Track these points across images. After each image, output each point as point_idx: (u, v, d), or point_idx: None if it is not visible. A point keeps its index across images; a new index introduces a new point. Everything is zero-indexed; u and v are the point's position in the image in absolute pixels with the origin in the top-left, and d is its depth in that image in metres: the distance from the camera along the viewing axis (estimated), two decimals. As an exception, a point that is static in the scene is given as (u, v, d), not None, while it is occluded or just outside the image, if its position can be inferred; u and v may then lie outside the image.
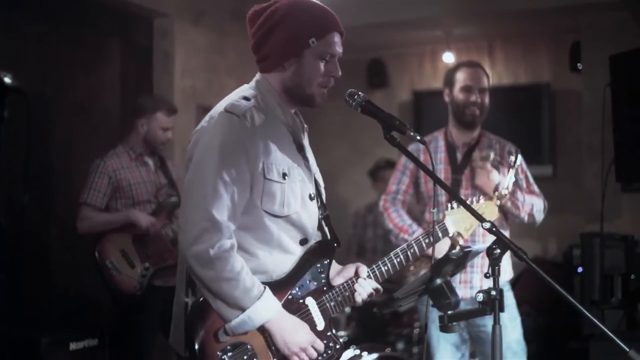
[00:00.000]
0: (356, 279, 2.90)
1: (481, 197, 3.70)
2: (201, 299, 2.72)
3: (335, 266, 2.99)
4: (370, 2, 7.30)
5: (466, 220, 3.34)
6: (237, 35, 7.12)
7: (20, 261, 5.15)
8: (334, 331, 2.89)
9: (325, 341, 2.84)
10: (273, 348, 2.74)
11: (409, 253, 3.01)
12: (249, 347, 2.72)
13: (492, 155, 4.30)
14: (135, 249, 4.91)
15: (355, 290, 2.89)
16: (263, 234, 2.77)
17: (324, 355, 2.83)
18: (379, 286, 2.93)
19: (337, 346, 2.87)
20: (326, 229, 2.97)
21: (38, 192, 5.43)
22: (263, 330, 2.72)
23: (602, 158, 5.02)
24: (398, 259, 2.98)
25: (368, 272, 2.92)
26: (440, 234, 3.27)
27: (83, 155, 5.53)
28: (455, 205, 3.34)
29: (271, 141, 2.76)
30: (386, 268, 2.96)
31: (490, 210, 3.49)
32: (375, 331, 5.89)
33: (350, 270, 2.95)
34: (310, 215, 2.86)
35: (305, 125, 3.03)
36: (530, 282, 6.15)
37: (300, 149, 2.88)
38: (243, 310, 2.65)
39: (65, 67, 5.74)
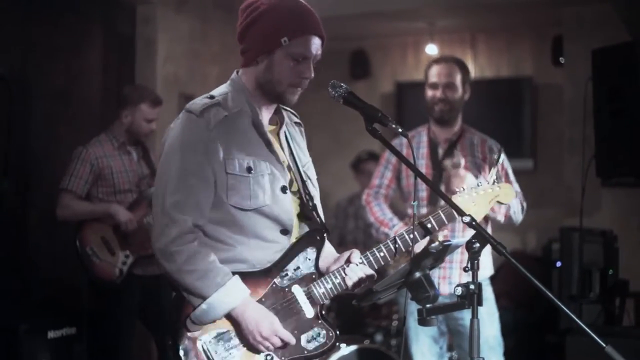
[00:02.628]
0: (347, 265, 2.90)
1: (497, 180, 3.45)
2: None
3: (333, 255, 3.02)
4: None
5: (475, 205, 3.24)
6: (220, 23, 7.10)
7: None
8: (326, 319, 2.90)
9: (316, 329, 2.86)
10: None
11: (407, 238, 2.98)
12: (232, 334, 2.78)
13: (462, 162, 4.28)
14: (116, 237, 4.89)
15: (346, 275, 2.88)
16: (236, 227, 2.81)
17: (315, 344, 2.85)
18: (372, 272, 2.91)
19: (330, 334, 2.88)
20: (317, 218, 2.97)
21: (17, 177, 5.39)
22: (232, 319, 2.76)
23: (583, 152, 5.05)
24: (396, 245, 2.96)
25: (361, 257, 2.91)
26: (444, 218, 3.11)
27: (64, 141, 5.50)
28: (465, 187, 3.26)
29: (233, 136, 2.80)
30: (382, 254, 2.94)
31: (505, 193, 3.33)
32: (354, 323, 5.90)
33: (344, 257, 2.95)
34: (283, 207, 2.86)
35: (297, 120, 3.08)
36: (509, 276, 6.17)
37: (268, 144, 2.87)
38: (205, 299, 2.72)
39: (47, 53, 5.69)
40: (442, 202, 3.41)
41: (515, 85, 8.37)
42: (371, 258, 2.94)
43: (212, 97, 2.86)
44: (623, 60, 4.49)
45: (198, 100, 2.84)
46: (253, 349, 2.78)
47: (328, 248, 3.03)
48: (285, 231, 2.87)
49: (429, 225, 3.06)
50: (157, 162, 5.10)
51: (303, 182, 2.96)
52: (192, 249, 2.72)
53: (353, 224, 7.20)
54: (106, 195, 4.94)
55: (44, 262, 5.54)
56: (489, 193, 3.27)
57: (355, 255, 2.92)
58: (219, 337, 2.77)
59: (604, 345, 2.32)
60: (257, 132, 2.86)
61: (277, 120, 2.98)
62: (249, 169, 2.79)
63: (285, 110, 3.04)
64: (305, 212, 2.96)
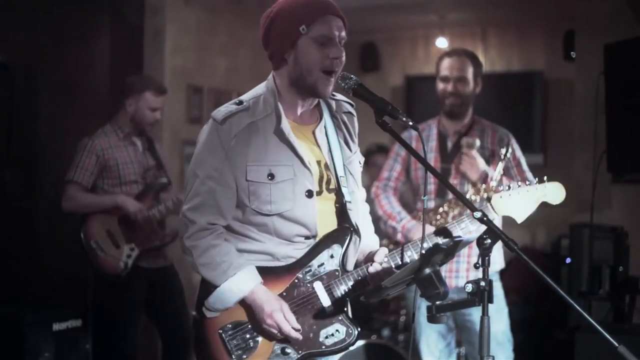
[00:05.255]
0: (371, 264, 2.90)
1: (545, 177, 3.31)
2: None
3: (369, 248, 3.01)
4: (365, -16, 7.25)
5: (520, 205, 3.17)
6: (228, 14, 7.07)
7: (5, 239, 5.11)
8: (348, 316, 2.90)
9: (335, 325, 2.88)
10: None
11: (428, 241, 2.94)
12: (249, 326, 2.86)
13: (477, 143, 4.26)
14: (121, 229, 4.87)
15: (369, 273, 2.89)
16: (260, 226, 2.86)
17: (334, 340, 2.87)
18: (394, 270, 2.89)
19: (350, 330, 2.89)
20: (350, 215, 2.94)
21: (24, 169, 5.37)
22: (248, 308, 2.84)
23: (594, 148, 4.99)
24: (424, 244, 2.91)
25: (386, 256, 2.91)
26: (470, 225, 3.09)
27: (71, 132, 5.47)
28: (510, 186, 3.19)
29: (256, 143, 2.82)
30: (409, 253, 2.95)
31: (554, 193, 3.19)
32: (361, 318, 5.84)
33: (372, 254, 2.95)
34: (307, 212, 2.86)
35: (345, 110, 3.06)
36: (519, 271, 6.10)
37: (293, 149, 2.85)
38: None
39: (54, 42, 5.66)
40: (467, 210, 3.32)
41: (526, 79, 8.33)
42: (398, 258, 2.93)
43: (240, 102, 2.88)
44: (636, 54, 4.44)
45: (223, 108, 2.88)
46: (268, 337, 2.83)
47: (370, 241, 3.06)
48: (308, 237, 2.89)
49: (455, 232, 3.03)
50: (163, 153, 5.15)
51: (338, 179, 2.93)
52: (207, 243, 2.82)
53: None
54: (111, 186, 4.91)
55: (50, 254, 5.53)
56: (534, 193, 3.18)
57: (379, 255, 2.91)
58: (238, 327, 2.86)
59: (617, 344, 2.28)
60: (279, 138, 2.85)
61: (317, 116, 2.97)
62: (271, 176, 2.82)
63: (337, 100, 3.02)
64: (343, 210, 2.95)
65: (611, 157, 4.61)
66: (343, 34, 2.82)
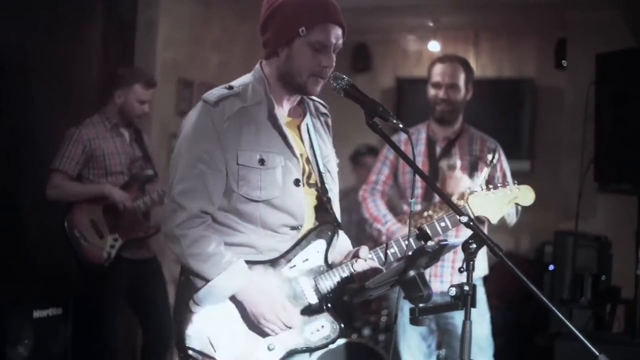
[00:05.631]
0: (356, 260, 2.90)
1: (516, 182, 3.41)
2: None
3: (347, 248, 3.02)
4: (360, -15, 7.25)
5: (495, 205, 3.20)
6: (222, 8, 7.05)
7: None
8: (332, 311, 2.91)
9: (320, 320, 2.88)
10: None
11: (402, 244, 2.97)
12: (236, 319, 2.82)
13: (458, 163, 4.27)
14: (105, 219, 4.87)
15: (354, 270, 2.89)
16: (245, 215, 2.83)
17: (319, 335, 2.87)
18: (380, 267, 2.92)
19: (335, 326, 2.90)
20: (331, 212, 2.97)
21: (11, 155, 5.34)
22: (238, 303, 2.80)
23: (582, 157, 5.02)
24: (406, 242, 2.94)
25: (370, 252, 2.92)
26: (449, 224, 3.12)
27: (60, 122, 5.44)
28: (484, 187, 3.22)
29: (248, 129, 2.81)
30: (392, 251, 2.96)
31: (525, 195, 3.28)
32: (343, 316, 5.86)
33: (352, 252, 2.97)
34: (294, 200, 2.87)
35: (322, 112, 3.08)
36: (501, 276, 6.12)
37: (284, 137, 2.86)
38: (208, 281, 2.76)
39: (47, 31, 5.62)
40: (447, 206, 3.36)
41: (516, 86, 8.34)
42: (381, 254, 2.95)
43: (230, 87, 2.87)
44: (628, 65, 4.46)
45: (215, 91, 2.86)
46: (258, 332, 2.81)
47: (344, 242, 3.05)
48: (295, 227, 2.88)
49: (444, 224, 3.06)
50: (150, 145, 5.14)
51: (321, 174, 2.96)
52: (197, 233, 2.76)
53: (346, 218, 7.15)
54: (97, 177, 4.90)
55: (34, 241, 5.50)
56: (507, 194, 3.22)
57: (364, 250, 2.92)
58: (223, 322, 2.81)
59: (597, 353, 2.30)
60: (272, 125, 2.85)
61: (301, 112, 2.98)
62: (261, 161, 2.80)
63: (313, 100, 3.04)
64: (321, 205, 2.97)
65: (598, 167, 4.63)
66: (340, 42, 2.84)
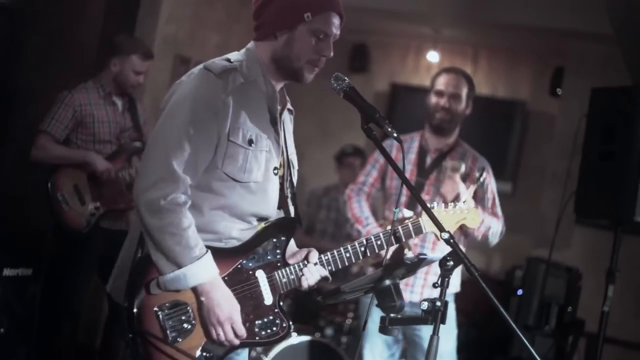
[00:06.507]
0: (305, 264, 2.88)
1: (464, 202, 3.54)
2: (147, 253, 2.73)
3: (292, 247, 2.99)
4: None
5: (446, 223, 3.24)
6: (229, -10, 7.04)
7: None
8: (282, 309, 2.88)
9: (271, 317, 2.84)
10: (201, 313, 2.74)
11: (358, 251, 2.95)
12: (188, 308, 2.73)
13: (462, 168, 4.30)
14: (89, 187, 4.85)
15: (302, 275, 2.87)
16: (218, 196, 2.77)
17: (268, 331, 2.83)
18: (327, 274, 2.90)
19: (284, 324, 2.86)
20: (291, 207, 2.97)
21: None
22: (197, 293, 2.72)
23: (565, 186, 5.05)
24: (348, 254, 2.94)
25: (321, 256, 2.91)
26: (412, 231, 3.15)
27: (52, 82, 5.42)
28: (436, 204, 3.30)
29: (244, 106, 2.78)
30: (348, 255, 2.93)
31: (472, 218, 3.42)
32: (308, 313, 5.88)
33: (302, 253, 2.94)
34: (271, 188, 2.86)
35: (290, 107, 3.05)
36: (469, 294, 6.17)
37: (274, 122, 2.86)
38: (180, 267, 2.66)
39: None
40: (419, 212, 3.42)
41: (508, 107, 8.37)
42: (337, 257, 2.92)
43: (229, 60, 2.82)
44: (621, 104, 4.48)
45: (217, 61, 2.81)
46: (206, 328, 2.74)
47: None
48: (264, 218, 2.86)
49: (397, 235, 3.10)
50: (144, 115, 5.12)
51: (289, 168, 2.96)
52: (182, 213, 2.65)
53: (325, 214, 7.17)
54: (84, 143, 4.88)
55: (13, 199, 5.47)
56: (457, 214, 3.35)
57: (313, 255, 2.91)
58: (176, 308, 2.72)
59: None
60: (268, 106, 2.84)
61: (283, 101, 2.97)
62: (250, 142, 2.77)
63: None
64: (283, 199, 2.95)
65: (580, 199, 4.65)
66: (338, 33, 2.84)
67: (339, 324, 5.90)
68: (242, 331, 2.74)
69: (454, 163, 4.36)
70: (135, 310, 2.71)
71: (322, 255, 2.92)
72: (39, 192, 4.84)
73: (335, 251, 2.93)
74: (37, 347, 4.87)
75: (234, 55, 2.89)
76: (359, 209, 4.55)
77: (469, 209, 3.39)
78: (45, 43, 5.66)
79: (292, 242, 3.01)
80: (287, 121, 3.02)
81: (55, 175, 4.82)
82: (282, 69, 2.84)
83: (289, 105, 3.04)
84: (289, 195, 2.96)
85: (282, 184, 2.95)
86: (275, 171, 2.87)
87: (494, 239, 4.40)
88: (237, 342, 2.74)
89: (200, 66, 2.80)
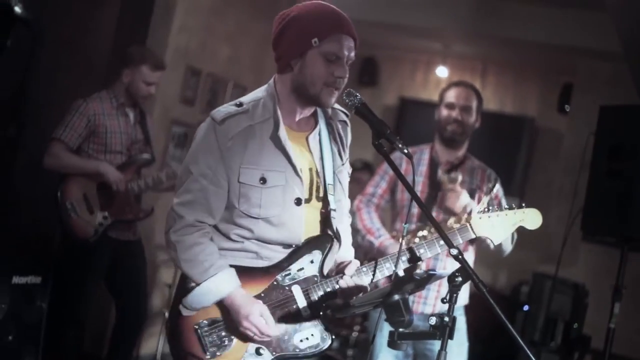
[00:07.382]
0: (341, 277, 2.93)
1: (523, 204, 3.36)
2: None
3: (343, 258, 3.06)
4: (378, 0, 7.30)
5: (499, 226, 3.18)
6: (239, 2, 7.07)
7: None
8: (324, 322, 2.93)
9: (310, 330, 2.90)
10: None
11: (399, 260, 2.97)
12: (225, 325, 2.89)
13: (459, 177, 4.31)
14: (98, 196, 4.87)
15: (339, 287, 2.93)
16: (244, 229, 2.89)
17: (308, 344, 2.90)
18: (364, 285, 2.94)
19: (324, 336, 2.92)
20: (333, 223, 2.97)
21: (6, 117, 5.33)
22: (223, 308, 2.88)
23: (572, 203, 5.06)
24: (387, 264, 2.96)
25: (359, 268, 2.95)
26: (459, 237, 3.12)
27: (65, 90, 5.44)
28: (491, 208, 3.20)
29: (252, 147, 2.86)
30: (387, 265, 2.96)
31: (532, 218, 3.22)
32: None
33: (343, 265, 3.00)
34: (294, 219, 2.90)
35: (341, 119, 3.08)
36: (475, 308, 6.18)
37: (287, 156, 2.89)
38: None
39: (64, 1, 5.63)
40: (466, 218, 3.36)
41: (516, 123, 8.38)
42: (376, 269, 2.95)
43: (240, 104, 2.91)
44: (629, 122, 4.50)
45: (223, 108, 2.91)
46: (243, 338, 2.87)
47: (345, 253, 3.10)
48: (289, 246, 2.92)
49: (417, 254, 3.04)
50: (152, 128, 5.14)
51: (326, 187, 2.97)
52: (192, 240, 2.86)
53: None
54: (96, 152, 4.91)
55: (23, 207, 5.49)
56: (512, 217, 3.20)
57: (351, 267, 2.95)
58: (214, 325, 2.89)
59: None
60: (274, 144, 2.88)
61: (313, 123, 3.01)
62: (263, 180, 2.85)
63: (334, 108, 3.04)
64: (324, 217, 2.99)
65: (586, 216, 4.66)
66: (352, 54, 2.86)
67: (345, 337, 5.91)
68: (271, 318, 2.84)
69: (450, 175, 4.36)
70: (175, 329, 2.93)
71: (361, 267, 2.97)
72: (48, 200, 4.87)
73: (382, 260, 2.97)
74: (44, 356, 4.89)
75: (255, 93, 2.98)
76: (370, 220, 4.55)
77: (525, 210, 3.22)
78: (57, 52, 5.69)
79: (346, 255, 3.09)
80: (327, 138, 3.02)
81: (64, 183, 4.86)
82: (302, 97, 2.89)
83: (341, 117, 3.09)
84: (330, 211, 2.97)
85: (324, 204, 2.98)
86: (298, 202, 2.90)
87: (508, 246, 4.34)
88: (271, 332, 2.83)
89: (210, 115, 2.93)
